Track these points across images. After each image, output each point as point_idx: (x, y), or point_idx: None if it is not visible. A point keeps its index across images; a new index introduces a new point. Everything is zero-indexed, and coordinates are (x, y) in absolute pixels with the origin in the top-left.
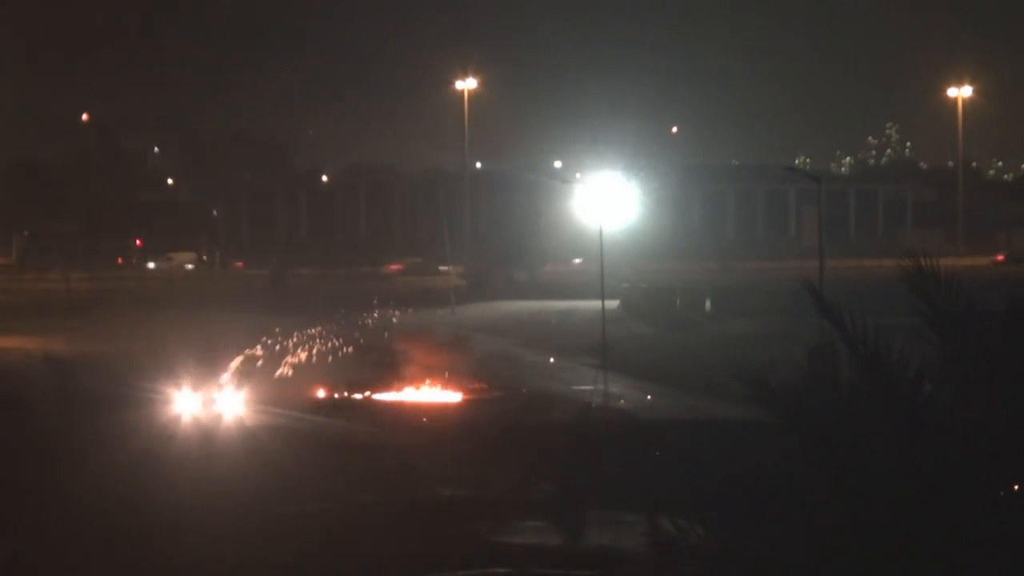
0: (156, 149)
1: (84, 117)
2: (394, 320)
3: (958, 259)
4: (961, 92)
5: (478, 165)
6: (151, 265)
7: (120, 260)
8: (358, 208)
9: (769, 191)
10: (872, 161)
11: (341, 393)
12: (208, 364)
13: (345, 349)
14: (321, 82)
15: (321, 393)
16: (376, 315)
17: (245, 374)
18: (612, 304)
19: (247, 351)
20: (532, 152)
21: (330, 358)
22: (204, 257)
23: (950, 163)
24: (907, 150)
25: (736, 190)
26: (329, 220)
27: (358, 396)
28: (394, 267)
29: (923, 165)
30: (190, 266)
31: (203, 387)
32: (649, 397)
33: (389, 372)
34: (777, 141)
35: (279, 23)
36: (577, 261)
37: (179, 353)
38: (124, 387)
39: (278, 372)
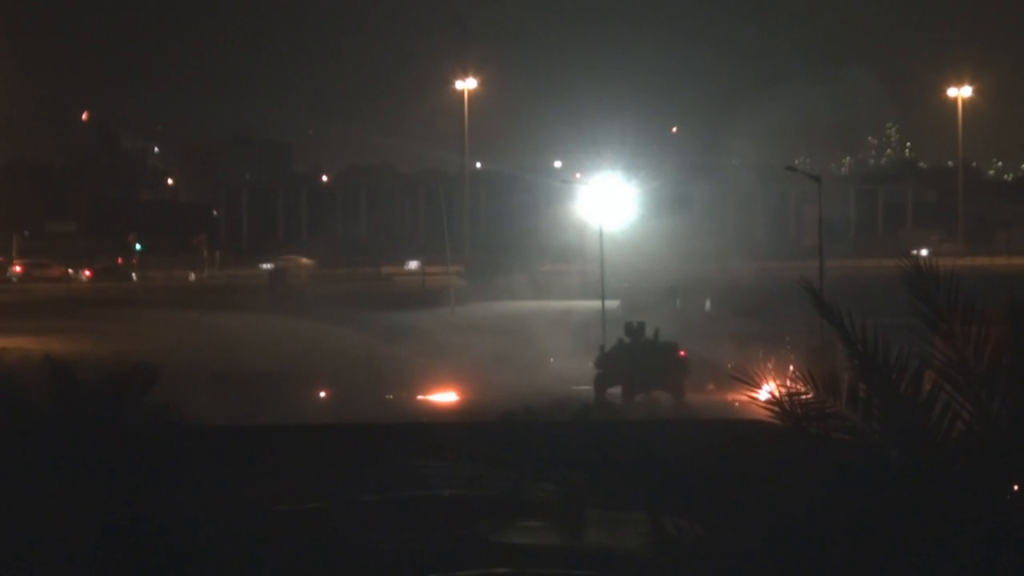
0: (156, 149)
1: (84, 117)
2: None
3: (958, 259)
4: (961, 92)
5: (478, 165)
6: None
7: (120, 260)
8: (358, 208)
9: (769, 191)
10: (872, 161)
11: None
12: None
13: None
14: (321, 82)
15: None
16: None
17: None
18: (612, 304)
19: None
20: (532, 152)
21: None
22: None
23: (950, 163)
24: (907, 150)
25: (736, 190)
26: (329, 220)
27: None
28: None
29: (923, 165)
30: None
31: None
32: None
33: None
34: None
35: (279, 24)
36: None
37: None
38: None
39: None
